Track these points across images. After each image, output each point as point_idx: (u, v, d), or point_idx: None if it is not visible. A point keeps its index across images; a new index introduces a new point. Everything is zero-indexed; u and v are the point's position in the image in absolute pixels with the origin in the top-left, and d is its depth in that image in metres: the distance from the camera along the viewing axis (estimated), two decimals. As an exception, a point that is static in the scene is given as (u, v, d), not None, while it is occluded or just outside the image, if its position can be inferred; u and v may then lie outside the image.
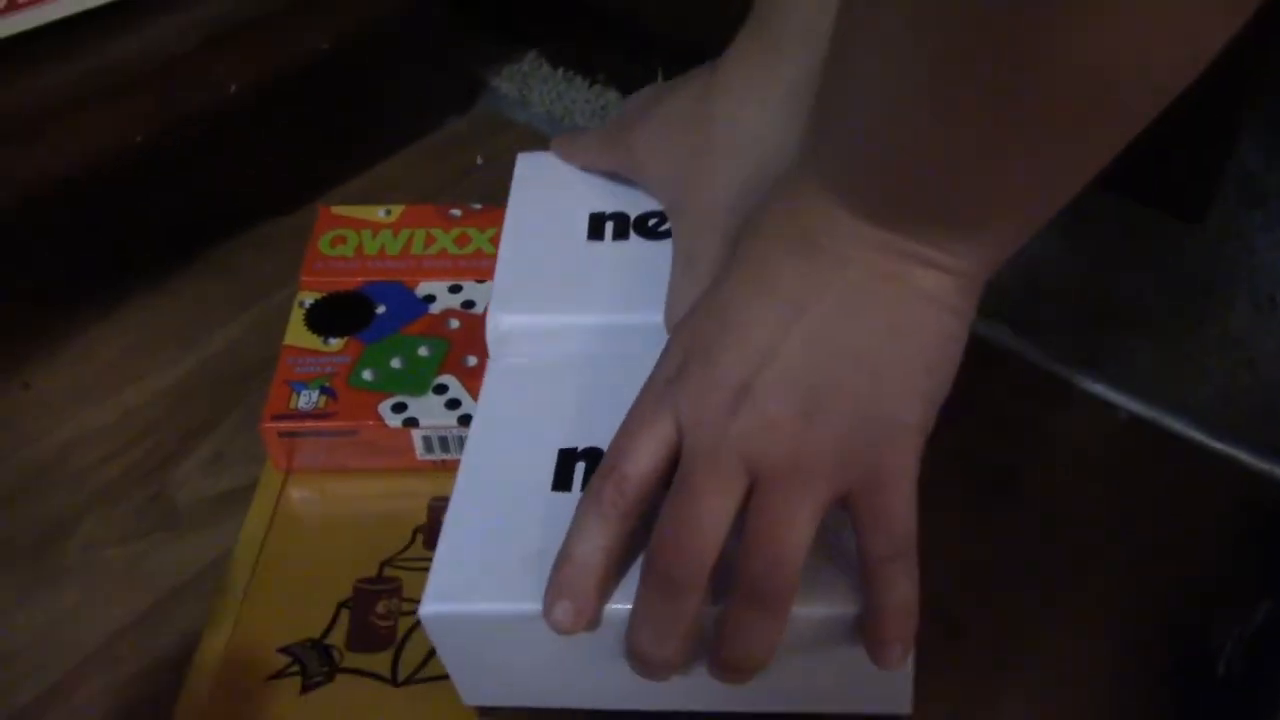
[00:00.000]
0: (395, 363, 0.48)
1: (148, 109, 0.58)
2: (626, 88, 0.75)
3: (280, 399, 0.47)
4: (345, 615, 0.43)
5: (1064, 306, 0.61)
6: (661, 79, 0.72)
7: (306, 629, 0.42)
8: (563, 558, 0.33)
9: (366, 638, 0.42)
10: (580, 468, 0.38)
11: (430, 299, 0.51)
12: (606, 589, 0.34)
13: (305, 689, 0.41)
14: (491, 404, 0.42)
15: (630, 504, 0.32)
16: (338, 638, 0.42)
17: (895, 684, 0.36)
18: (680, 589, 0.31)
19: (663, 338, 0.36)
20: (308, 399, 0.47)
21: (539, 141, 0.73)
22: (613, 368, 0.39)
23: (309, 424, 0.46)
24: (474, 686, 0.38)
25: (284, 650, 0.42)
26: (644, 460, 0.32)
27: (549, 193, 0.48)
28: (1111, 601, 0.47)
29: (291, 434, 0.47)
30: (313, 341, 0.49)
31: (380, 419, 0.46)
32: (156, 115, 0.58)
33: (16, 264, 0.59)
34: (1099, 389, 0.56)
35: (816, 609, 0.33)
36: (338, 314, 0.51)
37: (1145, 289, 0.61)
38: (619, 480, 0.32)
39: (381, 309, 0.51)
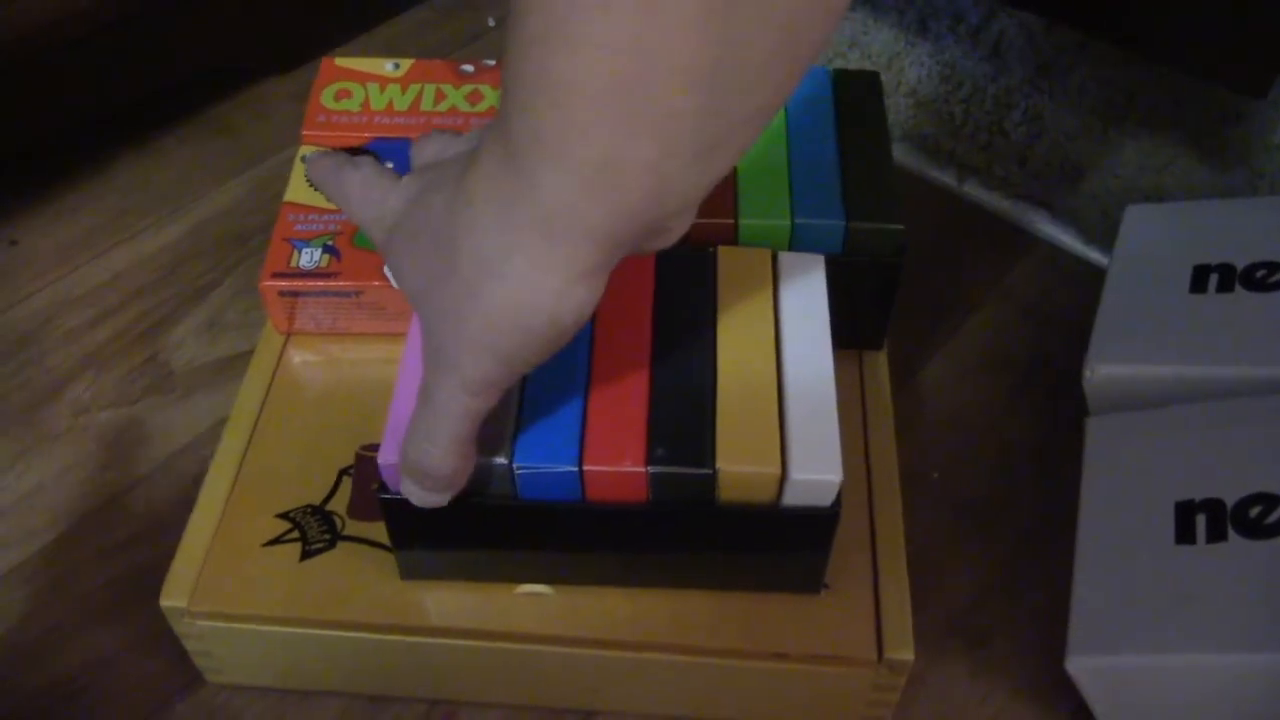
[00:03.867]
0: (403, 223, 0.45)
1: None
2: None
3: (280, 256, 0.44)
4: (347, 482, 0.41)
5: (1106, 192, 0.58)
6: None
7: (307, 495, 0.40)
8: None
9: (368, 505, 0.40)
10: (1201, 519, 0.38)
11: (440, 158, 0.48)
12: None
13: (305, 555, 0.39)
14: (1100, 457, 0.43)
15: None
16: (339, 504, 0.40)
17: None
18: None
19: (1268, 388, 0.41)
20: (310, 257, 0.44)
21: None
22: (1217, 418, 0.41)
23: (311, 283, 0.44)
24: None
25: (283, 516, 0.40)
26: None
27: (1154, 243, 0.49)
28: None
29: (292, 293, 0.44)
30: (315, 198, 0.46)
31: (386, 279, 0.44)
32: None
33: (2, 119, 0.55)
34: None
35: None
36: (342, 170, 0.47)
37: (1193, 177, 0.58)
38: None
39: (389, 166, 0.47)
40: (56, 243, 0.57)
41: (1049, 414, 0.49)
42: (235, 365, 0.51)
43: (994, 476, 0.47)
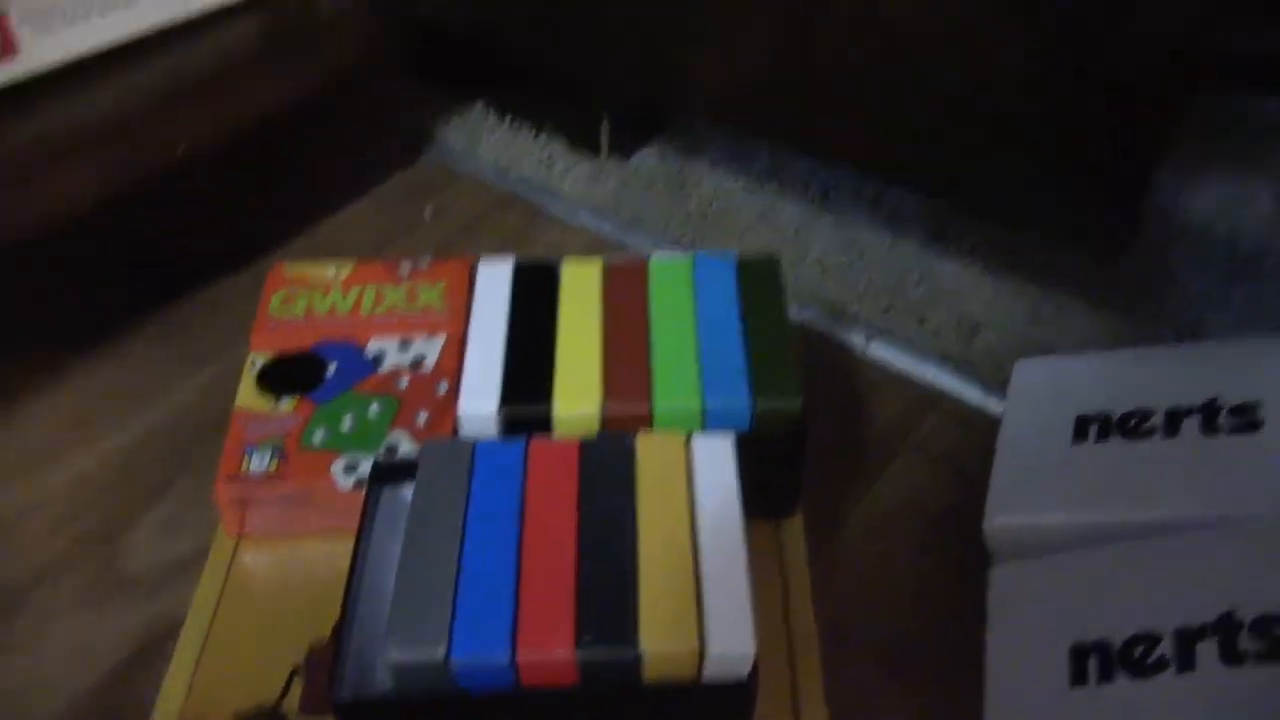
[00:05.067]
0: (346, 422, 0.49)
1: (97, 172, 0.59)
2: (574, 138, 0.76)
3: (232, 462, 0.47)
4: (299, 681, 0.43)
5: (1001, 345, 0.62)
6: (606, 127, 0.74)
7: (261, 695, 0.42)
8: None
9: (319, 702, 0.42)
10: (1093, 661, 0.41)
11: (381, 356, 0.51)
12: None
13: (261, 755, 0.41)
14: (1002, 605, 0.46)
15: None
16: (291, 704, 0.42)
17: None
18: None
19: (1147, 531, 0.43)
20: (259, 461, 0.47)
21: (487, 193, 0.75)
22: (1104, 563, 0.44)
23: (260, 487, 0.47)
24: None
25: (239, 718, 0.42)
26: None
27: (1040, 396, 0.53)
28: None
29: (243, 498, 0.47)
30: (264, 403, 0.50)
31: (332, 479, 0.47)
32: (106, 178, 0.59)
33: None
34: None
35: None
36: (289, 374, 0.51)
37: (1078, 324, 0.63)
38: None
39: (332, 368, 0.51)
40: (15, 452, 0.60)
41: (962, 563, 0.53)
42: (194, 564, 0.53)
43: (913, 628, 0.50)
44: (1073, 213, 0.52)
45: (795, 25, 0.55)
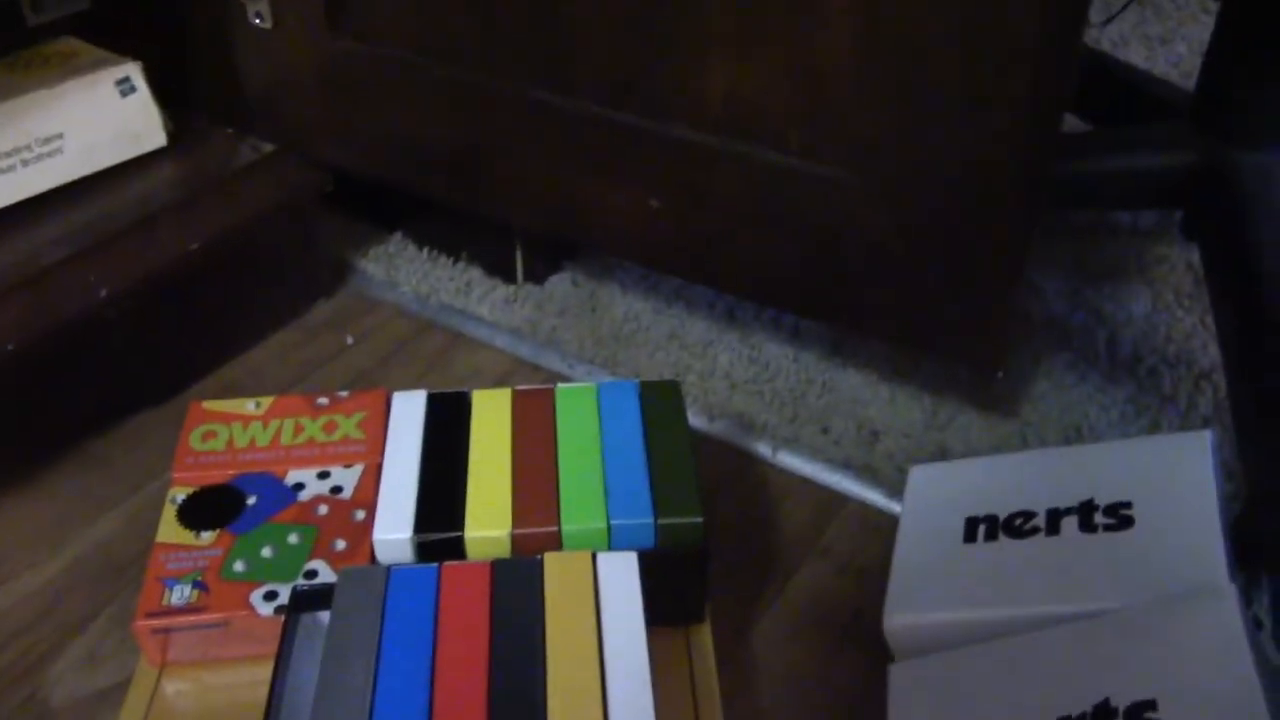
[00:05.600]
0: (266, 551, 0.50)
1: (21, 317, 0.61)
2: (490, 265, 0.79)
3: (153, 596, 0.49)
4: (221, 810, 0.44)
5: (900, 449, 0.66)
6: (520, 255, 0.78)
7: (181, 827, 0.43)
8: None
9: (242, 830, 0.43)
10: None
11: (300, 486, 0.53)
12: None
13: None
14: (902, 703, 0.48)
15: None
16: (213, 833, 0.43)
17: None
18: None
19: (1034, 624, 0.46)
20: (180, 594, 0.49)
21: (407, 320, 0.77)
22: (997, 657, 0.46)
23: (181, 619, 0.48)
24: None
25: None
26: None
27: (934, 500, 0.56)
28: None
29: (165, 630, 0.48)
30: (185, 536, 0.51)
31: (252, 608, 0.48)
32: (30, 323, 0.61)
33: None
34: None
35: None
36: (209, 508, 0.52)
37: (972, 428, 0.67)
38: None
39: (252, 500, 0.53)
40: (-63, 591, 0.60)
41: (872, 662, 0.55)
42: (115, 695, 0.54)
43: (823, 728, 0.52)
44: (949, 333, 0.56)
45: (685, 180, 0.60)
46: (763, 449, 0.66)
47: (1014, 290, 0.54)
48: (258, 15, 0.71)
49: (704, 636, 0.51)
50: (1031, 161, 0.50)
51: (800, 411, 0.68)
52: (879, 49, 0.51)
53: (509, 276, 0.79)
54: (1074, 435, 0.66)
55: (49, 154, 0.66)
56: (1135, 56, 1.04)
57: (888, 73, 0.52)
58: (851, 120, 0.54)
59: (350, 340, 0.76)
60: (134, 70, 0.69)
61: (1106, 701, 0.43)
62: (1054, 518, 0.52)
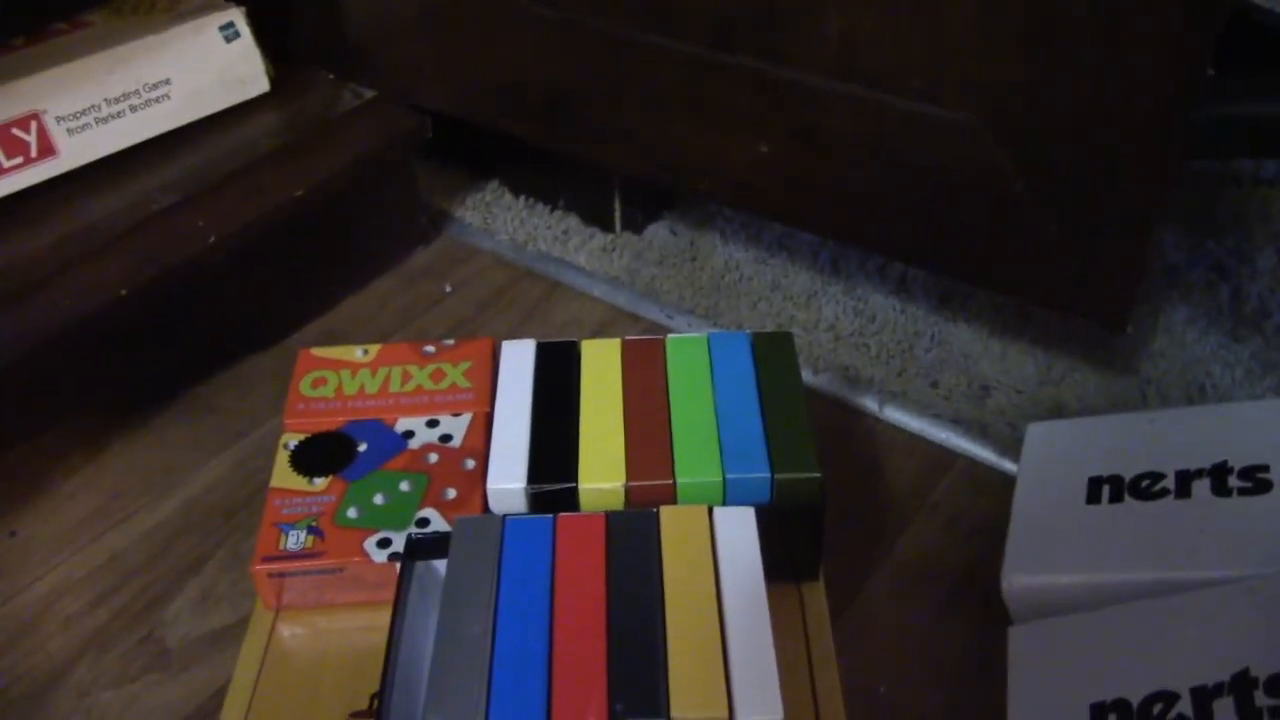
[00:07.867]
0: (378, 499, 0.50)
1: (132, 265, 0.61)
2: (587, 213, 0.78)
3: (269, 541, 0.49)
4: (340, 751, 0.44)
5: (1012, 405, 0.64)
6: (619, 203, 0.76)
7: (303, 767, 0.44)
8: None
9: (360, 773, 0.43)
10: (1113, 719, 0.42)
11: (409, 434, 0.53)
12: None
13: (304, 828, 0.42)
14: (1022, 665, 0.47)
15: None
16: (334, 775, 0.44)
17: None
18: None
19: (1160, 590, 0.44)
20: (295, 539, 0.49)
21: (504, 268, 0.77)
22: (1120, 622, 0.45)
23: (298, 564, 0.48)
24: None
25: (282, 790, 0.43)
26: None
27: (1052, 459, 0.54)
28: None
29: (281, 574, 0.49)
30: (298, 482, 0.51)
31: (366, 555, 0.48)
32: (141, 269, 0.61)
33: (6, 414, 0.61)
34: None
35: None
36: (321, 454, 0.53)
37: (1087, 384, 0.64)
38: None
39: (363, 447, 0.53)
40: (54, 530, 0.61)
41: (984, 621, 0.54)
42: (229, 636, 0.55)
43: (937, 687, 0.51)
44: (1074, 286, 0.54)
45: (797, 125, 0.58)
46: (869, 403, 0.65)
47: (1146, 244, 0.52)
48: (359, -42, 0.70)
49: (818, 594, 0.50)
50: (1173, 106, 0.47)
51: (908, 365, 0.67)
52: (1011, -14, 0.49)
53: (607, 225, 0.77)
54: (1197, 394, 0.63)
55: (157, 100, 0.67)
56: (1258, -4, 0.99)
57: (1015, 11, 0.49)
58: (976, 63, 0.51)
59: (449, 288, 0.75)
60: (238, 15, 0.69)
61: (1246, 671, 0.42)
62: (1184, 480, 0.50)
